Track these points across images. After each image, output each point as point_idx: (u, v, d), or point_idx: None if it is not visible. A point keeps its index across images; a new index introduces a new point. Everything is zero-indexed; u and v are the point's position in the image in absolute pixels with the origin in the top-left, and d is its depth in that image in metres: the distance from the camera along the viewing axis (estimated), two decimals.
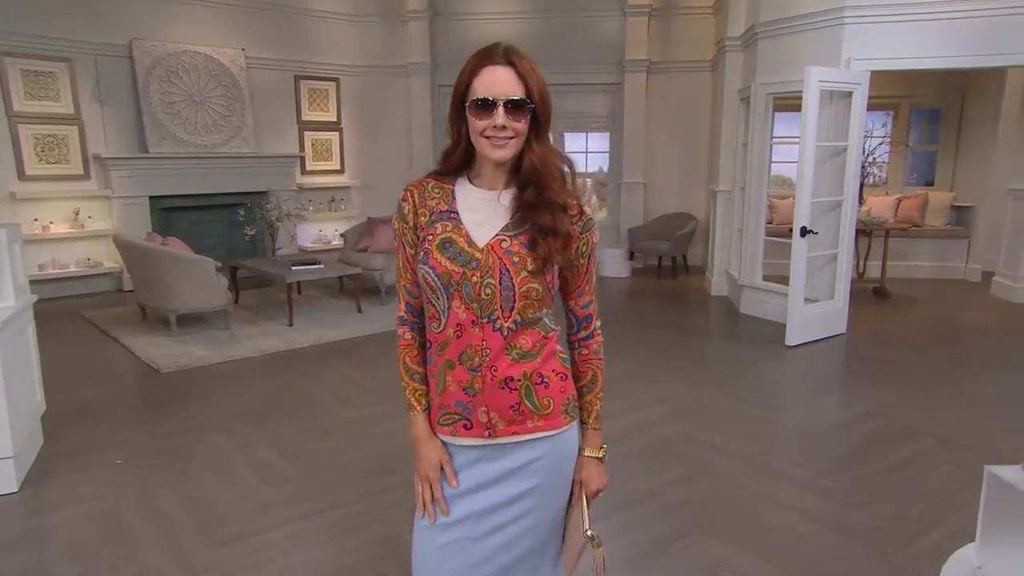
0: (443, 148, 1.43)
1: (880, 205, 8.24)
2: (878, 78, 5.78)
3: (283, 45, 8.55)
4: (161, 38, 7.50)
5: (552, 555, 1.52)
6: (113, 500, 3.03)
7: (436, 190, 1.42)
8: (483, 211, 1.37)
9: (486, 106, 1.29)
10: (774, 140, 6.56)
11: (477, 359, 1.34)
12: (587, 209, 1.41)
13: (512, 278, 1.32)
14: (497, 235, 1.34)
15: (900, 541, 2.71)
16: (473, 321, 1.33)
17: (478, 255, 1.33)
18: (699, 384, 4.67)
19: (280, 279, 6.16)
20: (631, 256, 8.86)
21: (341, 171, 9.38)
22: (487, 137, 1.31)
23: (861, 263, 7.43)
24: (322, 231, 9.25)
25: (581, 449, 1.49)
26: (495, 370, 1.34)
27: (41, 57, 6.80)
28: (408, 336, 1.48)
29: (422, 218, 1.39)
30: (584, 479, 1.48)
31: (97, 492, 3.10)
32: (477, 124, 1.31)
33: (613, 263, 8.57)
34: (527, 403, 1.36)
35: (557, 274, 1.38)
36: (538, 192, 1.33)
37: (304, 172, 9.00)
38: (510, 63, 1.30)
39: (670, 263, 8.71)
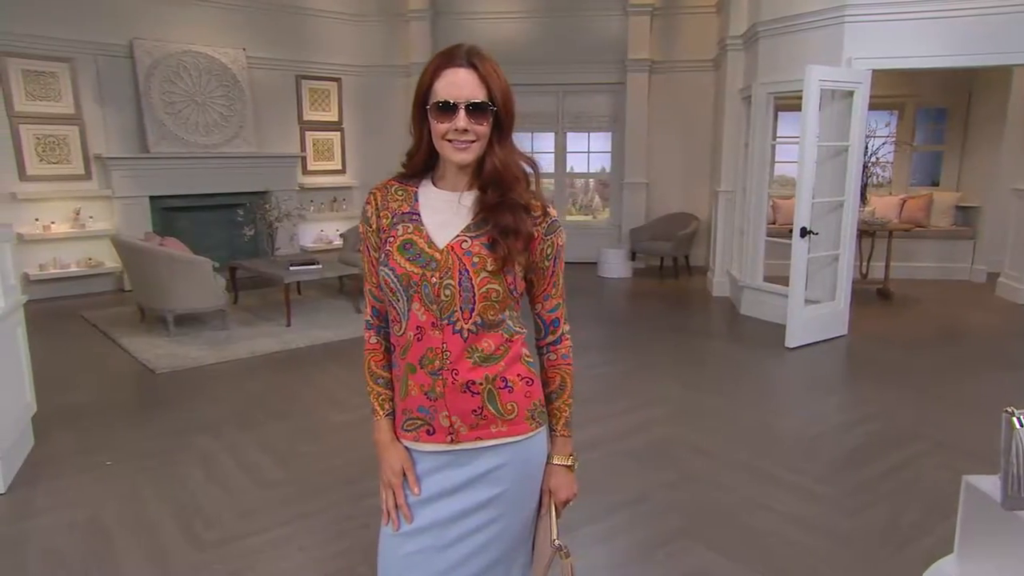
0: (407, 150, 1.41)
1: (885, 205, 8.15)
2: (881, 77, 5.71)
3: (284, 45, 8.55)
4: (162, 38, 7.51)
5: (521, 565, 1.48)
6: (100, 503, 3.02)
7: (399, 192, 1.40)
8: (445, 212, 1.35)
9: (447, 109, 1.27)
10: (777, 140, 6.48)
11: (438, 362, 1.31)
12: (552, 211, 1.38)
13: (472, 279, 1.29)
14: (457, 236, 1.32)
15: (890, 548, 2.67)
16: (433, 323, 1.30)
17: (437, 256, 1.30)
18: (696, 386, 4.62)
19: (278, 279, 6.15)
20: (633, 257, 8.80)
21: (343, 171, 9.38)
22: (449, 140, 1.29)
23: (864, 264, 7.35)
24: (323, 231, 9.25)
25: (550, 457, 1.46)
26: (456, 373, 1.31)
27: (42, 57, 6.81)
28: (374, 340, 1.46)
29: (384, 220, 1.38)
30: (553, 488, 1.45)
31: (85, 494, 3.09)
32: (439, 127, 1.29)
33: (615, 264, 8.51)
34: (490, 408, 1.34)
35: (521, 276, 1.35)
36: (500, 193, 1.31)
37: (305, 172, 9.00)
38: (472, 65, 1.28)
39: (672, 264, 8.65)
